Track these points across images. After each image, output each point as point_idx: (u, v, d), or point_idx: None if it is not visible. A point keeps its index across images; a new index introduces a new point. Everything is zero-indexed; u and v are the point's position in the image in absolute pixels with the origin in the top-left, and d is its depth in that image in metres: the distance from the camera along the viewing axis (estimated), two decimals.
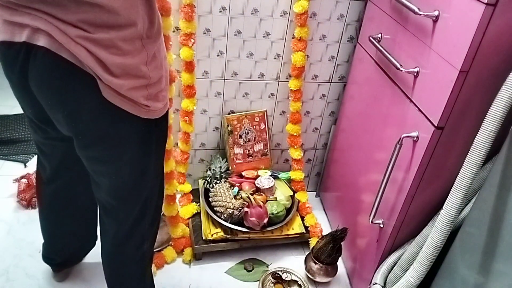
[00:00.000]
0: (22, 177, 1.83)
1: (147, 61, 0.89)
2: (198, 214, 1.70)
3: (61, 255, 1.42)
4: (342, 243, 1.54)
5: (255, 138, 1.77)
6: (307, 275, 1.60)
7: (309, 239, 1.71)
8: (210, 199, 1.66)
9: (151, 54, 0.90)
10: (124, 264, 1.20)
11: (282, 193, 1.73)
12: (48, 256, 1.42)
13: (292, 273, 1.60)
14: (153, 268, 1.54)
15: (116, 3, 0.79)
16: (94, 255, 1.51)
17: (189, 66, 1.52)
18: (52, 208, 1.30)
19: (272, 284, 1.56)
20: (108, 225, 1.14)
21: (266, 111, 1.74)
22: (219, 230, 1.59)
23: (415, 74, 1.14)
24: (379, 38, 1.36)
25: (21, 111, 2.48)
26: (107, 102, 0.86)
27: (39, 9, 0.78)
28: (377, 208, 1.26)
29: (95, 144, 0.94)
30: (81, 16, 0.78)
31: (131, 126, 0.94)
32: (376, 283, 1.31)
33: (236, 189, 1.67)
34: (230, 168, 1.76)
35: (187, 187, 1.76)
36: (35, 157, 2.03)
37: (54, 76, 0.84)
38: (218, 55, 1.58)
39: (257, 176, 1.76)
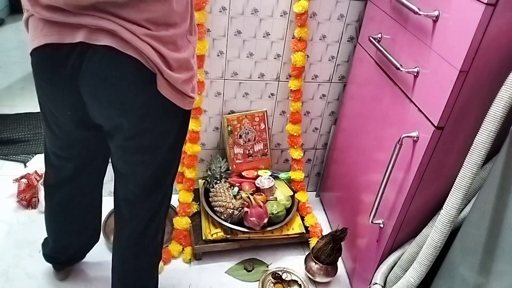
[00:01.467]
0: (22, 177, 1.83)
1: (193, 55, 0.98)
2: (198, 214, 1.70)
3: (64, 253, 1.42)
4: (342, 243, 1.54)
5: (255, 138, 1.77)
6: (307, 275, 1.60)
7: (309, 239, 1.71)
8: (210, 199, 1.66)
9: (195, 48, 1.00)
10: (139, 256, 1.22)
11: (282, 193, 1.73)
12: (51, 255, 1.42)
13: (292, 273, 1.60)
14: (161, 263, 1.55)
15: (176, 3, 0.87)
16: (94, 255, 1.51)
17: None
18: (60, 210, 1.30)
19: (272, 284, 1.56)
20: (128, 217, 1.16)
21: (266, 111, 1.74)
22: (219, 230, 1.59)
23: (415, 74, 1.14)
24: (379, 38, 1.36)
25: (21, 111, 2.48)
26: (160, 95, 0.92)
27: (103, 9, 0.82)
28: (377, 208, 1.26)
29: (141, 134, 0.99)
30: (146, 15, 0.84)
31: (174, 118, 1.01)
32: (376, 283, 1.31)
33: (236, 189, 1.67)
34: (230, 168, 1.76)
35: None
36: (35, 157, 2.04)
37: (114, 73, 0.88)
38: (218, 55, 1.58)
39: (257, 176, 1.76)
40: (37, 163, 1.96)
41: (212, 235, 1.58)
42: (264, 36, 1.57)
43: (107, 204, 1.40)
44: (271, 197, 1.70)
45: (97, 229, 1.43)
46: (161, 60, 0.89)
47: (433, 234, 1.06)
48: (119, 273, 1.25)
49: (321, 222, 1.79)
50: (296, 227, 1.69)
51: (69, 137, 1.10)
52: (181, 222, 1.63)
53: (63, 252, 1.42)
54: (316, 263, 1.55)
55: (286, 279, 1.58)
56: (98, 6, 0.82)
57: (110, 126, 1.00)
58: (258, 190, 1.70)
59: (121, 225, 1.20)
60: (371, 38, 1.36)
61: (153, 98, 0.93)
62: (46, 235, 1.40)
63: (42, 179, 1.78)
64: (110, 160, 1.16)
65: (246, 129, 1.74)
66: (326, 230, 1.75)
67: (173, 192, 1.85)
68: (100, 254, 1.56)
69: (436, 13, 1.05)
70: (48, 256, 1.42)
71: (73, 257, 1.48)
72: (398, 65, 1.17)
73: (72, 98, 0.95)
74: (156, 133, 1.01)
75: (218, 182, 1.69)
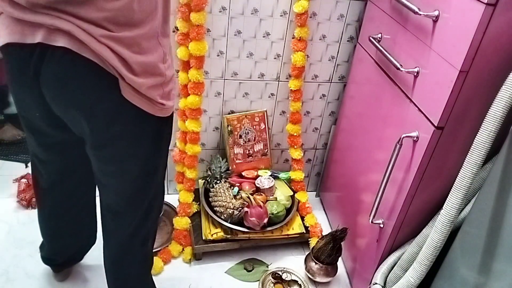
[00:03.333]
0: (22, 177, 1.83)
1: (163, 59, 0.92)
2: (198, 214, 1.70)
3: (61, 255, 1.42)
4: (342, 243, 1.54)
5: (255, 138, 1.77)
6: (307, 275, 1.60)
7: (309, 239, 1.71)
8: (210, 199, 1.66)
9: (166, 52, 0.93)
10: (128, 265, 1.20)
11: (282, 193, 1.73)
12: (48, 257, 1.42)
13: (292, 273, 1.60)
14: (161, 263, 1.56)
15: (138, 1, 0.81)
16: (94, 255, 1.51)
17: (186, 66, 1.52)
18: (52, 212, 1.29)
19: (272, 284, 1.56)
20: (114, 226, 1.14)
21: (266, 111, 1.74)
22: (219, 230, 1.59)
23: (415, 74, 1.14)
24: (379, 38, 1.36)
25: None
26: (125, 101, 0.87)
27: (60, 8, 0.78)
28: (377, 208, 1.26)
29: (110, 143, 0.95)
30: (105, 14, 0.79)
31: (145, 125, 0.95)
32: (376, 283, 1.31)
33: (236, 189, 1.67)
34: (230, 168, 1.76)
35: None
36: None
37: (73, 77, 0.84)
38: (218, 55, 1.58)
39: (257, 176, 1.76)
40: None
41: (212, 235, 1.58)
42: (264, 36, 1.57)
43: None
44: (271, 197, 1.70)
45: (93, 231, 1.42)
46: (122, 63, 0.83)
47: (433, 234, 1.06)
48: (111, 280, 1.24)
49: (321, 222, 1.79)
50: (296, 227, 1.69)
51: (45, 139, 1.06)
52: (181, 222, 1.63)
53: (60, 254, 1.41)
54: (316, 263, 1.55)
55: (286, 279, 1.58)
56: (56, 5, 0.78)
57: (78, 132, 0.96)
58: (258, 190, 1.70)
59: (106, 234, 1.17)
60: (371, 38, 1.36)
61: (118, 104, 0.87)
62: (40, 254, 1.40)
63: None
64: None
65: (246, 129, 1.74)
66: (326, 230, 1.75)
67: (173, 192, 1.87)
68: (100, 255, 1.56)
69: (436, 13, 1.05)
70: (45, 258, 1.42)
71: (71, 259, 1.47)
72: (398, 65, 1.17)
73: (38, 99, 0.91)
74: (127, 141, 0.96)
75: (218, 182, 1.69)
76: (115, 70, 0.83)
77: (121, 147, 0.96)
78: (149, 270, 1.28)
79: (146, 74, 0.88)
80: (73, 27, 0.79)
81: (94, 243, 1.46)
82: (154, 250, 1.58)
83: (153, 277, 1.34)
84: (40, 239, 1.43)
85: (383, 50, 1.27)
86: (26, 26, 0.81)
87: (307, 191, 1.91)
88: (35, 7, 0.79)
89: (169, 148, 1.73)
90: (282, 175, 1.82)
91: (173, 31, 1.48)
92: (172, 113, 1.03)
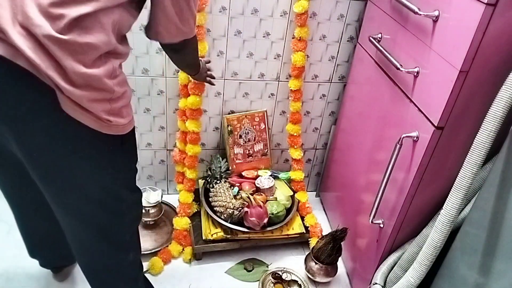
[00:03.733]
0: None
1: (112, 74, 0.82)
2: (198, 214, 1.70)
3: (55, 259, 1.40)
4: (342, 243, 1.54)
5: (255, 138, 1.77)
6: (307, 275, 1.60)
7: (309, 239, 1.71)
8: (210, 199, 1.66)
9: (117, 68, 0.84)
10: (112, 277, 1.13)
11: (282, 193, 1.73)
12: (43, 262, 1.40)
13: (292, 273, 1.60)
14: (161, 263, 1.56)
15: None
16: None
17: None
18: (42, 215, 1.20)
19: (272, 284, 1.56)
20: (81, 259, 1.09)
21: (266, 111, 1.74)
22: (219, 230, 1.59)
23: (415, 74, 1.14)
24: (379, 38, 1.36)
25: None
26: (67, 115, 0.78)
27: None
28: (377, 208, 1.26)
29: (54, 165, 0.84)
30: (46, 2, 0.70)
31: (92, 142, 0.85)
32: (376, 283, 1.31)
33: (236, 189, 1.67)
34: (230, 168, 1.76)
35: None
36: None
37: (8, 87, 0.75)
38: (218, 55, 1.58)
39: (257, 176, 1.76)
40: None
41: (212, 235, 1.58)
42: (264, 36, 1.57)
43: None
44: (271, 197, 1.70)
45: None
46: (58, 73, 0.74)
47: (433, 234, 1.06)
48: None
49: (321, 222, 1.79)
50: (296, 227, 1.69)
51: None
52: (181, 223, 1.63)
53: (53, 259, 1.39)
54: (316, 263, 1.55)
55: (286, 279, 1.58)
56: None
57: (11, 147, 0.84)
58: (258, 190, 1.70)
59: (78, 256, 1.10)
60: (371, 38, 1.36)
61: (58, 120, 0.78)
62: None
63: None
64: None
65: (246, 129, 1.74)
66: (326, 230, 1.75)
67: (173, 192, 1.87)
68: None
69: (436, 13, 1.05)
70: (41, 263, 1.40)
71: (66, 262, 1.45)
72: (398, 65, 1.17)
73: None
74: (75, 166, 0.85)
75: (218, 182, 1.69)
76: (51, 81, 0.74)
77: (64, 166, 0.85)
78: (138, 276, 1.21)
79: (87, 87, 0.78)
80: (10, 27, 0.70)
81: None
82: (154, 250, 1.59)
83: (153, 277, 1.34)
84: None
85: (383, 50, 1.27)
86: None
87: (307, 191, 1.91)
88: None
89: (170, 149, 1.74)
90: (282, 175, 1.82)
91: None
92: (131, 132, 0.94)
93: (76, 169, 0.87)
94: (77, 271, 1.51)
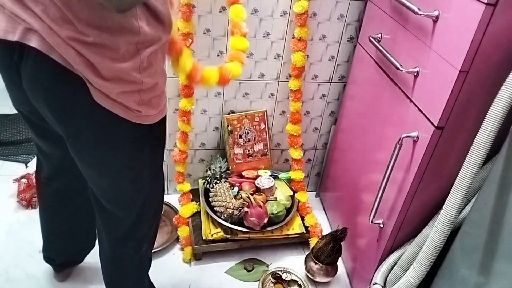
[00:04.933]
0: (22, 177, 1.83)
1: (140, 67, 0.85)
2: (198, 214, 1.70)
3: (61, 255, 1.42)
4: (342, 243, 1.54)
5: (255, 138, 1.77)
6: (307, 275, 1.60)
7: (309, 239, 1.71)
8: (210, 199, 1.66)
9: (145, 60, 0.85)
10: (122, 267, 1.19)
11: (282, 193, 1.73)
12: (48, 256, 1.42)
13: (292, 273, 1.60)
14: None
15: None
16: (95, 255, 1.51)
17: None
18: (51, 208, 1.29)
19: (272, 284, 1.56)
20: (104, 228, 1.13)
21: (266, 111, 1.74)
22: (219, 230, 1.59)
23: (415, 74, 1.14)
24: (379, 38, 1.36)
25: None
26: (98, 105, 0.83)
27: (39, 2, 0.75)
28: (377, 208, 1.26)
29: (86, 147, 0.92)
30: (76, 15, 0.74)
31: (122, 130, 0.91)
32: (376, 283, 1.31)
33: (236, 189, 1.67)
34: (230, 168, 1.76)
35: (187, 187, 1.76)
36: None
37: (44, 78, 0.81)
38: (218, 55, 1.58)
39: (257, 176, 1.76)
40: None
41: (212, 235, 1.58)
42: (264, 36, 1.57)
43: None
44: (271, 197, 1.70)
45: (91, 232, 1.40)
46: (89, 67, 0.79)
47: (433, 234, 1.06)
48: (107, 283, 1.23)
49: (321, 222, 1.79)
50: (296, 227, 1.69)
51: (42, 131, 1.04)
52: (183, 232, 1.65)
53: (58, 254, 1.41)
54: (316, 263, 1.55)
55: (286, 279, 1.58)
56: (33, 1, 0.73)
57: (57, 130, 0.92)
58: (258, 190, 1.70)
59: (100, 233, 1.16)
60: (371, 38, 1.36)
61: (91, 108, 0.83)
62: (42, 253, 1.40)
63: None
64: None
65: (246, 129, 1.74)
66: (326, 230, 1.75)
67: (173, 192, 1.87)
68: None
69: (436, 13, 1.05)
70: (46, 257, 1.42)
71: (70, 260, 1.47)
72: (398, 65, 1.17)
73: (24, 96, 0.89)
74: (102, 147, 0.92)
75: (218, 182, 1.69)
76: (82, 75, 0.80)
77: (98, 151, 0.92)
78: (145, 272, 1.27)
79: (116, 80, 0.82)
80: (44, 27, 0.75)
81: (93, 245, 1.45)
82: (154, 250, 1.58)
83: (153, 277, 1.34)
84: (40, 239, 1.43)
85: (383, 50, 1.27)
86: (11, 22, 0.78)
87: (307, 191, 1.90)
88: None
89: (170, 149, 1.74)
90: (282, 175, 1.82)
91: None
92: (161, 121, 0.98)
93: (104, 150, 0.93)
94: (78, 272, 1.52)
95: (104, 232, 1.14)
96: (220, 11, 1.49)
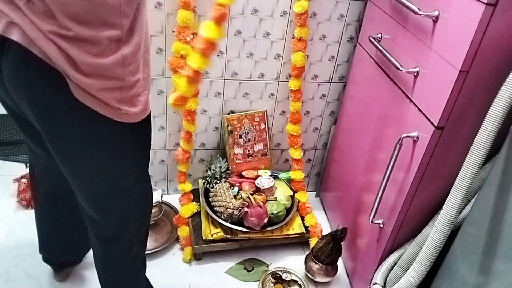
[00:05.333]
0: (22, 177, 1.83)
1: (123, 63, 0.84)
2: (198, 214, 1.70)
3: (59, 256, 1.41)
4: (342, 243, 1.54)
5: (255, 138, 1.77)
6: (307, 275, 1.60)
7: (309, 239, 1.71)
8: (210, 199, 1.66)
9: (128, 56, 0.84)
10: (114, 268, 1.17)
11: (282, 193, 1.73)
12: (46, 256, 1.41)
13: (292, 273, 1.60)
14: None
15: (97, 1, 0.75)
16: None
17: None
18: (45, 209, 1.28)
19: (272, 284, 1.56)
20: (91, 230, 1.11)
21: (266, 111, 1.74)
22: (219, 230, 1.59)
23: (415, 74, 1.14)
24: (379, 38, 1.36)
25: None
26: (78, 102, 0.82)
27: None
28: (377, 208, 1.26)
29: (64, 145, 0.90)
30: (59, 8, 0.73)
31: (102, 128, 0.89)
32: (376, 283, 1.31)
33: (236, 189, 1.67)
34: (230, 168, 1.76)
35: (188, 186, 1.76)
36: None
37: (23, 73, 0.80)
38: (218, 55, 1.58)
39: (257, 176, 1.76)
40: None
41: (212, 235, 1.58)
42: (264, 36, 1.57)
43: None
44: (271, 197, 1.70)
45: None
46: (69, 62, 0.78)
47: (433, 234, 1.06)
48: (101, 282, 1.22)
49: (321, 222, 1.79)
50: (296, 227, 1.69)
51: (29, 130, 1.01)
52: (183, 232, 1.65)
53: (56, 255, 1.40)
54: (316, 263, 1.55)
55: (286, 279, 1.58)
56: None
57: (36, 126, 0.91)
58: (258, 190, 1.70)
59: (89, 237, 1.14)
60: (371, 38, 1.36)
61: (70, 104, 0.82)
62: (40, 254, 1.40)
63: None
64: None
65: (246, 129, 1.74)
66: (326, 230, 1.75)
67: (173, 192, 1.87)
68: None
69: (436, 13, 1.05)
70: (44, 258, 1.42)
71: (69, 260, 1.47)
72: (398, 65, 1.17)
73: (5, 90, 0.87)
74: (83, 144, 0.90)
75: (218, 182, 1.69)
76: (62, 69, 0.79)
77: (77, 149, 0.90)
78: (140, 274, 1.24)
79: (97, 75, 0.81)
80: (25, 20, 0.74)
81: (89, 248, 1.45)
82: (154, 250, 1.59)
83: (153, 277, 1.34)
84: None
85: (383, 50, 1.27)
86: None
87: (307, 191, 1.91)
88: None
89: (170, 149, 1.74)
90: (282, 175, 1.82)
91: (172, 31, 1.47)
92: (145, 119, 0.96)
93: (84, 155, 0.91)
94: (77, 272, 1.52)
95: (92, 234, 1.12)
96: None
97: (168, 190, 1.89)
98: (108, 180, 0.99)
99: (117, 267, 1.17)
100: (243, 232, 1.58)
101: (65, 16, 0.74)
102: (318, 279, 1.57)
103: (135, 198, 1.06)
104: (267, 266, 1.65)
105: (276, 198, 1.71)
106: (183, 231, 1.64)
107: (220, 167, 1.71)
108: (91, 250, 1.46)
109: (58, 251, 1.40)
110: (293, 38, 1.58)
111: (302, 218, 1.75)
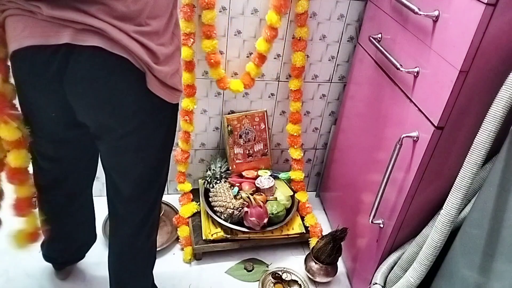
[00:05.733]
0: None
1: (179, 47, 0.98)
2: (198, 213, 1.70)
3: (63, 254, 1.42)
4: (342, 243, 1.54)
5: (255, 138, 1.77)
6: (307, 275, 1.60)
7: (309, 239, 1.71)
8: (210, 199, 1.66)
9: (179, 41, 0.99)
10: (134, 256, 1.21)
11: (282, 193, 1.73)
12: (50, 256, 1.42)
13: (292, 273, 1.60)
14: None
15: None
16: (94, 255, 1.51)
17: (189, 66, 1.52)
18: (51, 210, 1.28)
19: (272, 284, 1.56)
20: (123, 216, 1.15)
21: (266, 111, 1.74)
22: (219, 230, 1.59)
23: (415, 74, 1.14)
24: (379, 38, 1.36)
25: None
26: (149, 93, 0.91)
27: (91, 3, 0.78)
28: (377, 208, 1.26)
29: (132, 133, 0.97)
30: (135, 7, 0.81)
31: (164, 114, 1.00)
32: (376, 283, 1.31)
33: (236, 189, 1.67)
34: (230, 168, 1.76)
35: (187, 186, 1.76)
36: None
37: (103, 74, 0.86)
38: (221, 53, 1.57)
39: (257, 176, 1.76)
40: None
41: (212, 235, 1.58)
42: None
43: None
44: (271, 197, 1.70)
45: (91, 230, 1.42)
46: (150, 56, 0.87)
47: (433, 234, 1.06)
48: (115, 273, 1.24)
49: (321, 222, 1.79)
50: (296, 227, 1.69)
51: (54, 137, 1.07)
52: (183, 232, 1.65)
53: (60, 253, 1.41)
54: (316, 263, 1.55)
55: (286, 279, 1.58)
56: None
57: (97, 127, 0.98)
58: (258, 190, 1.70)
59: (116, 225, 1.18)
60: (371, 38, 1.36)
61: (142, 96, 0.92)
62: (41, 252, 1.40)
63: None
64: (100, 160, 1.14)
65: (246, 129, 1.74)
66: (326, 230, 1.75)
67: (173, 192, 1.87)
68: (100, 254, 1.56)
69: (436, 13, 1.05)
70: (46, 256, 1.42)
71: (71, 258, 1.47)
72: (398, 65, 1.17)
73: (56, 100, 0.92)
74: (148, 131, 0.99)
75: (218, 182, 1.69)
76: (144, 64, 0.87)
77: (143, 136, 0.99)
78: (153, 264, 1.29)
79: (167, 62, 0.92)
80: (105, 25, 0.80)
81: (94, 241, 1.46)
82: None
83: (154, 277, 1.34)
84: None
85: (383, 50, 1.27)
86: (49, 27, 0.81)
87: (307, 191, 1.90)
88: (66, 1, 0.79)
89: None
90: (282, 175, 1.82)
91: None
92: None
93: (148, 133, 1.00)
94: (78, 271, 1.52)
95: (122, 223, 1.16)
96: (220, 11, 1.49)
97: (168, 190, 1.89)
98: (160, 160, 1.10)
99: (137, 256, 1.21)
100: (243, 232, 1.58)
101: (143, 15, 0.84)
102: (318, 279, 1.58)
103: (164, 180, 1.16)
104: (267, 266, 1.65)
105: (276, 198, 1.71)
106: (183, 231, 1.64)
107: (220, 167, 1.71)
108: (91, 250, 1.47)
109: (64, 249, 1.40)
110: (293, 38, 1.58)
111: (302, 218, 1.75)
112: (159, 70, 0.89)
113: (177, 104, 1.04)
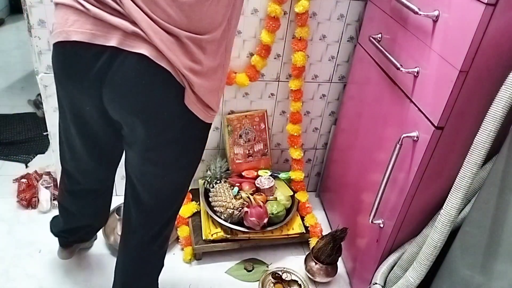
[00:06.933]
0: (22, 177, 1.83)
1: (223, 65, 0.93)
2: (198, 213, 1.70)
3: (75, 234, 1.41)
4: (342, 243, 1.54)
5: (255, 138, 1.77)
6: (307, 275, 1.60)
7: (309, 239, 1.71)
8: (210, 199, 1.66)
9: (228, 58, 0.95)
10: (144, 263, 1.20)
11: (282, 193, 1.73)
12: (60, 234, 1.41)
13: (292, 273, 1.60)
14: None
15: (220, 5, 0.84)
16: (96, 255, 1.52)
17: None
18: (74, 204, 1.29)
19: (272, 284, 1.56)
20: (139, 224, 1.13)
21: (266, 111, 1.74)
22: (219, 230, 1.59)
23: (415, 74, 1.14)
24: (379, 38, 1.36)
25: (21, 111, 2.46)
26: (185, 109, 0.90)
27: (141, 12, 0.78)
28: (377, 208, 1.26)
29: (161, 147, 0.96)
30: (187, 20, 0.81)
31: (197, 131, 0.99)
32: (376, 283, 1.31)
33: (236, 189, 1.67)
34: (230, 168, 1.76)
35: None
36: (36, 157, 2.03)
37: (145, 84, 0.85)
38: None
39: (257, 176, 1.76)
40: (38, 163, 1.96)
41: (212, 235, 1.58)
42: None
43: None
44: (271, 197, 1.70)
45: (106, 213, 1.41)
46: (191, 71, 0.85)
47: (433, 234, 1.06)
48: (122, 277, 1.23)
49: (321, 222, 1.79)
50: (296, 227, 1.69)
51: (87, 129, 1.05)
52: (183, 232, 1.66)
53: (72, 234, 1.41)
54: (316, 263, 1.55)
55: (286, 279, 1.58)
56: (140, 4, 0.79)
57: (129, 132, 0.96)
58: (258, 190, 1.70)
59: (131, 230, 1.16)
60: (371, 38, 1.36)
61: (178, 112, 0.90)
62: (49, 227, 1.40)
63: (42, 180, 1.78)
64: (124, 165, 1.11)
65: (246, 129, 1.74)
66: (326, 230, 1.75)
67: None
68: (100, 253, 1.56)
69: (436, 13, 1.05)
70: (56, 234, 1.41)
71: (81, 238, 1.47)
72: (398, 65, 1.17)
73: (92, 99, 0.91)
74: (177, 147, 0.98)
75: (218, 182, 1.69)
76: (185, 79, 0.86)
77: (171, 151, 0.98)
78: (159, 272, 1.28)
79: (211, 77, 0.90)
80: (154, 35, 0.79)
81: (104, 225, 1.47)
82: None
83: None
84: (40, 239, 1.43)
85: (383, 50, 1.27)
86: (99, 26, 0.80)
87: (307, 191, 1.90)
88: (114, 3, 0.78)
89: None
90: (282, 175, 1.82)
91: None
92: None
93: (179, 149, 0.98)
94: (77, 271, 1.52)
95: (137, 229, 1.14)
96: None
97: None
98: (185, 177, 1.08)
99: (149, 264, 1.21)
100: (243, 232, 1.58)
101: (196, 25, 0.82)
102: (318, 279, 1.58)
103: (184, 194, 1.15)
104: (267, 266, 1.65)
105: (276, 198, 1.70)
106: (183, 231, 1.64)
107: (220, 167, 1.71)
108: (91, 250, 1.47)
109: (77, 230, 1.39)
110: (293, 38, 1.58)
111: (302, 218, 1.75)
112: (199, 84, 0.88)
113: (210, 124, 1.01)
